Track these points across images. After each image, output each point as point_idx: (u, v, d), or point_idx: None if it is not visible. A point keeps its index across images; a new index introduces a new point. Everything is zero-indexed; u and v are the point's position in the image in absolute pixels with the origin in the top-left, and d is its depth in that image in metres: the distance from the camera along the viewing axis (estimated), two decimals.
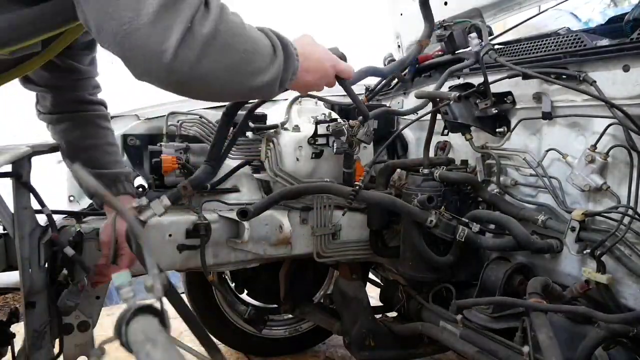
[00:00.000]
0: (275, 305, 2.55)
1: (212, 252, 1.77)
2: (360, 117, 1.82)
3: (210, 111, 2.12)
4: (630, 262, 1.31)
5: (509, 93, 1.67)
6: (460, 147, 1.95)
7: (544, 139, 1.61)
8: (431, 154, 1.89)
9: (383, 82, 2.27)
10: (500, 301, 1.49)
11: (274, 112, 2.02)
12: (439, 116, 1.81)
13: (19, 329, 1.44)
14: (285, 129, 1.92)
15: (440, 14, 2.15)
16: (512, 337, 1.40)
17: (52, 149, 1.60)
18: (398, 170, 1.97)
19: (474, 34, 1.81)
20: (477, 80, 1.73)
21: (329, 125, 1.86)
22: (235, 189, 1.91)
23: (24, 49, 1.15)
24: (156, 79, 0.97)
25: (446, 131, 1.90)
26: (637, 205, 1.30)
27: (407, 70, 2.24)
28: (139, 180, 2.09)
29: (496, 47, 1.77)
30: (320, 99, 2.17)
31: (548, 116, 1.54)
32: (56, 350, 1.51)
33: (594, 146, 1.39)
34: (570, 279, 1.49)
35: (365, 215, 1.91)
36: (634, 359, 1.25)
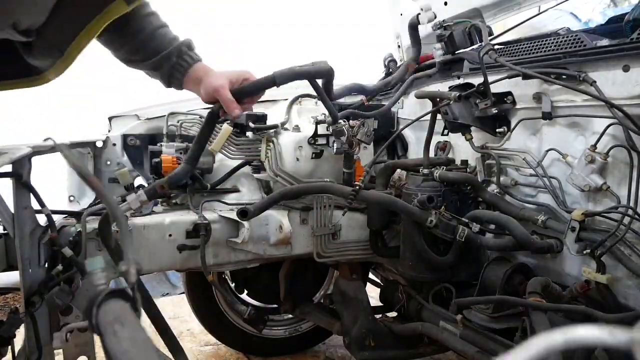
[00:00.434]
0: (275, 305, 2.55)
1: (212, 252, 1.77)
2: (363, 119, 1.84)
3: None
4: (630, 262, 1.31)
5: (509, 93, 1.67)
6: (460, 147, 1.95)
7: (544, 139, 1.61)
8: (431, 154, 1.89)
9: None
10: (500, 300, 1.49)
11: (274, 112, 2.02)
12: (439, 116, 1.81)
13: (18, 330, 1.44)
14: (285, 129, 1.92)
15: (440, 14, 2.14)
16: (512, 337, 1.40)
17: (52, 148, 1.60)
18: (398, 170, 1.97)
19: (438, 45, 1.81)
20: (477, 80, 1.73)
21: (329, 126, 1.86)
22: (235, 189, 1.91)
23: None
24: None
25: (446, 131, 1.90)
26: (637, 205, 1.30)
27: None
28: (139, 180, 2.10)
29: (496, 47, 1.77)
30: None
31: (548, 116, 1.54)
32: (57, 350, 1.51)
33: (594, 146, 1.38)
34: (570, 279, 1.49)
35: (365, 215, 1.91)
36: (634, 358, 1.25)
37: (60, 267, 1.47)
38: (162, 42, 1.45)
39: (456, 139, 1.95)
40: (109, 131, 2.09)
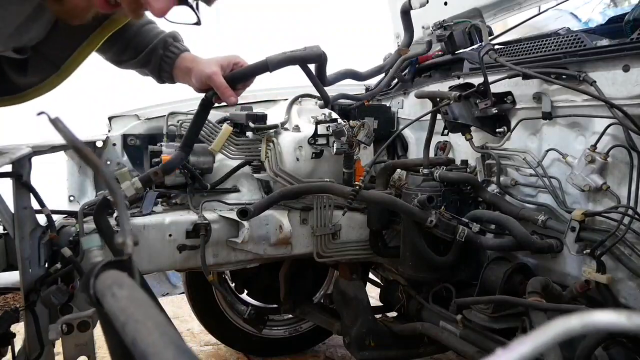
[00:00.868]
0: (275, 305, 2.55)
1: (212, 252, 1.77)
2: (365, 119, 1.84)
3: (211, 111, 2.12)
4: (630, 262, 1.31)
5: (509, 93, 1.67)
6: (460, 147, 1.95)
7: (544, 139, 1.61)
8: (431, 154, 1.89)
9: (382, 82, 2.28)
10: (500, 300, 1.49)
11: (274, 112, 2.02)
12: (439, 116, 1.81)
13: (19, 329, 1.44)
14: (285, 129, 1.92)
15: (440, 14, 2.15)
16: (512, 337, 1.40)
17: (52, 148, 1.60)
18: (398, 170, 1.97)
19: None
20: (477, 80, 1.73)
21: (329, 126, 1.86)
22: (235, 189, 1.91)
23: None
24: None
25: (446, 131, 1.90)
26: (637, 205, 1.30)
27: (407, 70, 2.24)
28: None
29: (496, 47, 1.77)
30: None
31: (548, 116, 1.54)
32: (57, 350, 1.51)
33: (594, 146, 1.39)
34: (570, 279, 1.49)
35: (365, 215, 1.91)
36: (634, 359, 1.25)
37: (58, 265, 1.47)
38: (148, 37, 1.45)
39: (456, 139, 1.95)
40: (109, 131, 2.09)
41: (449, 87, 1.81)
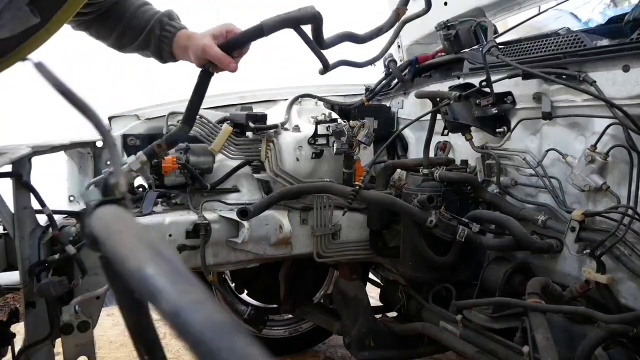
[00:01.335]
0: (275, 305, 2.55)
1: (212, 252, 1.77)
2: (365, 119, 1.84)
3: (210, 111, 2.12)
4: (630, 262, 1.31)
5: (509, 93, 1.67)
6: (460, 147, 1.95)
7: (544, 139, 1.61)
8: (431, 154, 1.89)
9: (382, 82, 2.28)
10: (500, 302, 1.49)
11: (274, 112, 2.03)
12: (439, 116, 1.81)
13: (19, 329, 1.44)
14: (285, 129, 1.92)
15: (440, 14, 2.14)
16: (512, 337, 1.40)
17: (52, 148, 1.60)
18: (398, 170, 1.97)
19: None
20: (476, 80, 1.73)
21: (329, 126, 1.86)
22: (235, 189, 1.91)
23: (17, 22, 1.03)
24: None
25: (446, 131, 1.90)
26: (637, 205, 1.30)
27: (407, 70, 2.24)
28: (139, 180, 2.10)
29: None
30: (320, 99, 2.17)
31: (548, 116, 1.54)
32: (57, 349, 1.52)
33: (594, 146, 1.39)
34: (570, 279, 1.49)
35: (365, 215, 1.91)
36: (634, 359, 1.25)
37: (56, 256, 1.47)
38: (144, 18, 1.45)
39: (456, 139, 1.95)
40: (109, 131, 2.09)
41: (449, 87, 1.81)
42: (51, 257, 1.46)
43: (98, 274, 1.52)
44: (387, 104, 2.35)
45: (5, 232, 1.46)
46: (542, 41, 1.62)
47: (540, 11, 2.54)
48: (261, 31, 1.51)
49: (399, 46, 2.56)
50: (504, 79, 1.64)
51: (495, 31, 1.89)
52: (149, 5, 1.48)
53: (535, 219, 1.53)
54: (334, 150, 1.82)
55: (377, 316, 2.08)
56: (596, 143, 1.38)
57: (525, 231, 1.51)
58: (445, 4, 2.25)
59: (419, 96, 1.88)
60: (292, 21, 1.53)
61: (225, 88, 2.45)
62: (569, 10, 2.95)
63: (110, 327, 2.90)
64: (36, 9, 1.03)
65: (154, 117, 2.10)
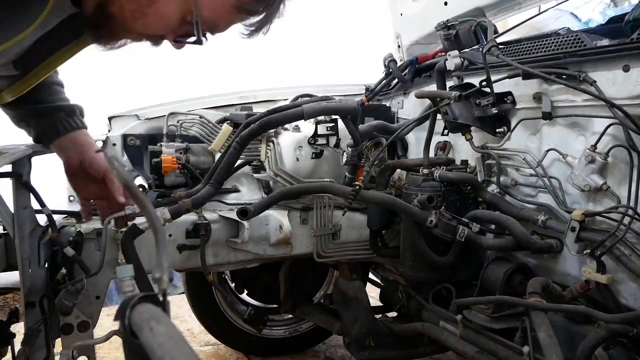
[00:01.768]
0: (275, 305, 2.55)
1: (212, 252, 1.77)
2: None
3: (211, 111, 2.12)
4: (630, 262, 1.31)
5: (509, 93, 1.67)
6: (460, 147, 1.95)
7: (544, 139, 1.61)
8: (431, 154, 1.89)
9: (382, 82, 2.28)
10: (501, 300, 1.48)
11: None
12: (439, 116, 1.81)
13: (19, 329, 1.44)
14: (285, 129, 1.92)
15: (440, 14, 2.14)
16: (512, 337, 1.40)
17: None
18: (398, 170, 1.97)
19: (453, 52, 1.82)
20: (476, 80, 1.73)
21: (328, 126, 1.86)
22: (235, 189, 1.91)
23: None
24: None
25: (446, 131, 1.90)
26: (637, 205, 1.30)
27: (407, 70, 2.24)
28: (139, 180, 2.10)
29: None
30: (320, 99, 2.17)
31: (548, 116, 1.54)
32: (57, 350, 1.51)
33: (594, 146, 1.38)
34: (570, 279, 1.49)
35: (365, 215, 1.91)
36: (634, 359, 1.25)
37: (63, 270, 1.47)
38: (54, 94, 1.39)
39: (456, 139, 1.95)
40: (109, 131, 2.09)
41: (449, 87, 1.81)
42: (60, 273, 1.46)
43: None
44: (387, 104, 2.35)
45: (5, 232, 1.46)
46: (542, 41, 1.61)
47: (541, 11, 2.54)
48: (301, 116, 1.68)
49: (399, 46, 2.56)
50: (504, 79, 1.64)
51: (495, 31, 1.89)
52: (64, 89, 1.44)
53: (535, 219, 1.53)
54: (343, 161, 1.83)
55: (377, 316, 2.08)
56: (596, 143, 1.38)
57: (525, 231, 1.51)
58: (446, 4, 2.25)
59: (419, 96, 1.88)
60: (332, 111, 1.74)
61: (225, 88, 2.45)
62: (569, 10, 2.96)
63: (110, 327, 2.89)
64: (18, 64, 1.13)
65: (154, 117, 2.10)
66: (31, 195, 1.40)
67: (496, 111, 1.67)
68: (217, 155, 1.85)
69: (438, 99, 1.75)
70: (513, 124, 1.67)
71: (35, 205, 1.42)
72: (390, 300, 2.08)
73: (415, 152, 2.18)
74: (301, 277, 2.42)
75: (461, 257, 1.62)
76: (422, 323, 1.83)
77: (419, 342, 1.98)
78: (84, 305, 1.56)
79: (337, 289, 2.15)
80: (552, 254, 1.53)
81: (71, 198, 1.97)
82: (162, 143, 1.95)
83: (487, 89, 1.66)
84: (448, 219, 1.56)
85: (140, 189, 1.99)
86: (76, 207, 1.90)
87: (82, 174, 1.42)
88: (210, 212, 1.77)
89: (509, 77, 1.62)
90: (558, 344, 1.16)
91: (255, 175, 1.91)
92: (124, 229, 1.55)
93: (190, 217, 1.72)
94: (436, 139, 1.97)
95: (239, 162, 1.87)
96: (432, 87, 2.02)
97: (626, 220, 1.28)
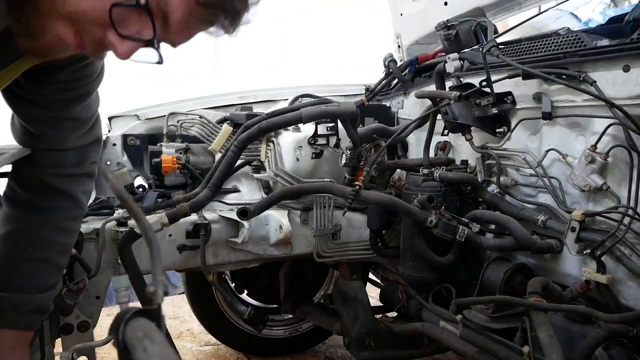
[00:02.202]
0: (275, 305, 2.55)
1: (212, 252, 1.77)
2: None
3: (211, 111, 2.12)
4: (631, 263, 1.31)
5: (509, 93, 1.67)
6: (460, 147, 1.95)
7: (544, 139, 1.61)
8: (431, 154, 1.89)
9: (382, 82, 2.28)
10: (501, 300, 1.49)
11: None
12: (439, 116, 1.81)
13: None
14: (285, 129, 1.91)
15: (440, 14, 2.14)
16: (512, 337, 1.40)
17: None
18: (398, 170, 1.97)
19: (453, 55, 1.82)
20: (476, 80, 1.73)
21: (328, 126, 1.86)
22: (235, 189, 1.91)
23: None
24: None
25: (446, 131, 1.90)
26: (637, 205, 1.30)
27: (407, 70, 2.24)
28: (139, 180, 2.10)
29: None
30: (320, 99, 2.17)
31: (548, 116, 1.54)
32: (57, 350, 1.51)
33: (594, 146, 1.39)
34: (570, 279, 1.49)
35: (365, 215, 1.91)
36: (634, 359, 1.25)
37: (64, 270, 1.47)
38: (36, 274, 1.17)
39: (456, 139, 1.95)
40: (109, 131, 2.09)
41: (449, 87, 1.81)
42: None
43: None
44: (387, 104, 2.35)
45: None
46: (542, 41, 1.61)
47: (541, 11, 2.54)
48: (300, 120, 1.69)
49: (399, 46, 2.55)
50: (504, 79, 1.64)
51: (495, 31, 1.89)
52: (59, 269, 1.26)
53: (535, 219, 1.53)
54: (342, 163, 1.82)
55: (377, 316, 2.08)
56: (596, 143, 1.38)
57: (525, 231, 1.51)
58: (446, 4, 2.24)
59: (419, 96, 1.88)
60: (331, 115, 1.75)
61: (225, 88, 2.45)
62: (569, 10, 2.95)
63: None
64: None
65: (154, 117, 2.09)
66: None
67: (496, 111, 1.67)
68: (217, 156, 1.85)
69: (438, 99, 1.75)
70: (513, 124, 1.67)
71: None
72: (390, 300, 2.08)
73: (415, 152, 2.18)
74: (301, 277, 2.42)
75: (461, 257, 1.62)
76: (422, 323, 1.82)
77: (419, 342, 1.98)
78: (84, 305, 1.56)
79: (337, 289, 2.15)
80: (552, 254, 1.54)
81: None
82: (162, 143, 1.96)
83: (487, 89, 1.66)
84: (448, 219, 1.56)
85: (140, 189, 1.99)
86: None
87: None
88: (210, 212, 1.77)
89: (509, 77, 1.62)
90: (558, 343, 1.16)
91: (255, 175, 1.91)
92: (123, 229, 1.55)
93: (190, 217, 1.72)
94: (436, 139, 1.97)
95: (239, 162, 1.88)
96: (432, 87, 2.02)
97: (626, 220, 1.28)
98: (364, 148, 1.86)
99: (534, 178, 1.61)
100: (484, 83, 1.66)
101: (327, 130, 1.87)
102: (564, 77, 1.47)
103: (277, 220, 1.80)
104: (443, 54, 2.09)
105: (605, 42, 1.45)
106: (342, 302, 2.09)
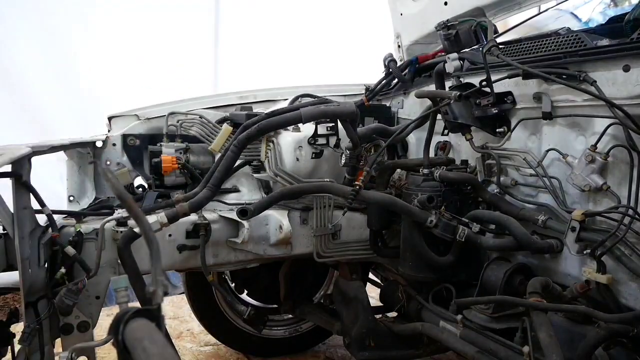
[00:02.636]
0: (275, 305, 2.55)
1: (212, 252, 1.77)
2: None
3: (211, 111, 2.12)
4: (631, 262, 1.31)
5: (509, 93, 1.67)
6: (460, 147, 1.95)
7: (544, 139, 1.61)
8: (431, 154, 1.89)
9: (382, 82, 2.28)
10: (501, 300, 1.48)
11: None
12: (439, 116, 1.81)
13: (19, 329, 1.44)
14: (286, 129, 1.91)
15: (440, 14, 2.14)
16: (512, 337, 1.40)
17: (51, 148, 1.60)
18: (398, 170, 1.97)
19: (452, 55, 1.82)
20: (476, 80, 1.73)
21: (328, 126, 1.86)
22: (235, 189, 1.91)
23: None
24: None
25: (446, 131, 1.90)
26: (637, 205, 1.30)
27: (407, 70, 2.24)
28: (139, 180, 2.10)
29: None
30: (320, 99, 2.17)
31: (548, 116, 1.54)
32: (56, 350, 1.51)
33: (594, 146, 1.38)
34: (571, 279, 1.49)
35: (365, 215, 1.91)
36: (634, 359, 1.25)
37: (63, 270, 1.47)
38: None
39: (456, 139, 1.95)
40: (109, 131, 2.09)
41: (449, 87, 1.81)
42: (59, 272, 1.46)
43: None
44: (387, 104, 2.35)
45: (5, 232, 1.46)
46: (543, 41, 1.61)
47: (541, 11, 2.54)
48: (299, 120, 1.70)
49: (399, 46, 2.56)
50: (504, 78, 1.64)
51: (495, 31, 1.89)
52: None
53: (535, 219, 1.53)
54: (342, 163, 1.82)
55: (377, 316, 2.08)
56: (596, 143, 1.38)
57: (526, 231, 1.50)
58: (446, 4, 2.25)
59: (419, 96, 1.88)
60: (331, 115, 1.75)
61: (225, 88, 2.45)
62: (569, 10, 2.95)
63: None
64: None
65: (154, 117, 2.09)
66: (31, 195, 1.40)
67: (496, 111, 1.67)
68: (217, 155, 1.85)
69: (438, 99, 1.75)
70: (513, 124, 1.67)
71: (35, 205, 1.42)
72: (390, 300, 2.08)
73: (415, 152, 2.18)
74: (301, 277, 2.42)
75: (461, 257, 1.62)
76: (422, 323, 1.82)
77: (419, 342, 1.98)
78: (84, 305, 1.56)
79: (337, 289, 2.15)
80: (552, 254, 1.53)
81: (71, 198, 1.97)
82: (162, 143, 1.96)
83: (487, 89, 1.66)
84: (448, 219, 1.56)
85: (140, 189, 1.99)
86: (76, 207, 1.90)
87: None
88: (210, 212, 1.77)
89: (509, 77, 1.62)
90: (558, 344, 1.16)
91: (255, 175, 1.91)
92: (123, 229, 1.55)
93: (190, 217, 1.72)
94: (436, 139, 1.97)
95: (238, 162, 1.88)
96: (432, 87, 2.02)
97: (626, 220, 1.28)
98: (364, 148, 1.86)
99: (534, 178, 1.61)
100: (484, 83, 1.66)
101: (327, 130, 1.87)
102: (564, 77, 1.47)
103: (277, 220, 1.80)
104: (443, 53, 2.09)
105: (605, 42, 1.45)
106: (342, 302, 2.09)
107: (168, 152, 1.88)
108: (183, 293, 3.02)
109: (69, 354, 1.31)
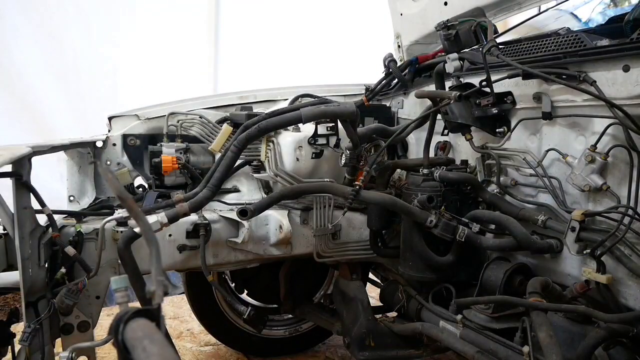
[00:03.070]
0: (275, 305, 2.55)
1: (212, 252, 1.77)
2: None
3: (211, 111, 2.12)
4: (630, 262, 1.31)
5: (509, 93, 1.67)
6: (460, 147, 1.95)
7: (544, 139, 1.61)
8: (431, 154, 1.89)
9: (382, 82, 2.28)
10: (501, 300, 1.49)
11: None
12: (439, 116, 1.81)
13: (19, 329, 1.44)
14: (286, 129, 1.92)
15: (440, 14, 2.14)
16: (512, 337, 1.40)
17: (52, 148, 1.60)
18: (398, 170, 1.97)
19: (452, 55, 1.82)
20: (476, 80, 1.73)
21: (328, 126, 1.86)
22: (235, 189, 1.91)
23: None
24: None
25: (446, 131, 1.90)
26: (637, 205, 1.30)
27: (407, 70, 2.24)
28: (139, 180, 2.10)
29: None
30: (320, 99, 2.17)
31: (548, 116, 1.54)
32: (56, 350, 1.51)
33: (594, 146, 1.39)
34: (570, 279, 1.49)
35: (365, 215, 1.91)
36: (634, 359, 1.25)
37: (63, 270, 1.47)
38: None
39: (456, 139, 1.95)
40: (109, 131, 2.09)
41: (449, 87, 1.81)
42: (59, 272, 1.46)
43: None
44: (387, 104, 2.35)
45: (5, 232, 1.46)
46: (542, 41, 1.61)
47: (540, 11, 2.54)
48: (299, 120, 1.69)
49: (399, 46, 2.55)
50: (504, 78, 1.64)
51: (495, 31, 1.89)
52: None
53: (535, 219, 1.53)
54: (342, 163, 1.83)
55: (377, 316, 2.08)
56: (596, 143, 1.38)
57: (525, 231, 1.51)
58: (445, 4, 2.24)
59: (419, 96, 1.88)
60: (331, 115, 1.75)
61: (225, 88, 2.44)
62: (569, 10, 2.95)
63: None
64: None
65: (154, 117, 2.09)
66: (31, 195, 1.40)
67: (496, 111, 1.67)
68: (217, 155, 1.85)
69: (438, 99, 1.75)
70: (513, 124, 1.67)
71: (35, 205, 1.42)
72: (390, 300, 2.08)
73: (415, 152, 2.18)
74: (301, 277, 2.42)
75: (461, 257, 1.62)
76: (422, 323, 1.83)
77: (419, 342, 1.98)
78: (84, 305, 1.56)
79: (337, 289, 2.15)
80: (552, 254, 1.54)
81: (71, 198, 1.97)
82: (162, 143, 1.96)
83: (487, 89, 1.66)
84: (448, 219, 1.56)
85: (140, 189, 1.99)
86: (76, 207, 1.90)
87: None
88: (210, 212, 1.77)
89: (509, 77, 1.62)
90: (558, 344, 1.16)
91: (255, 175, 1.91)
92: (123, 229, 1.55)
93: (190, 217, 1.72)
94: (436, 139, 1.97)
95: (239, 162, 1.88)
96: (432, 87, 2.02)
97: (626, 220, 1.28)
98: (364, 148, 1.86)
99: (534, 178, 1.61)
100: (484, 83, 1.66)
101: (327, 130, 1.87)
102: (564, 77, 1.47)
103: (277, 220, 1.80)
104: (443, 54, 2.09)
105: (605, 42, 1.45)
106: (342, 302, 2.09)
107: (168, 152, 1.88)
108: (183, 293, 3.02)
109: (69, 354, 1.31)
